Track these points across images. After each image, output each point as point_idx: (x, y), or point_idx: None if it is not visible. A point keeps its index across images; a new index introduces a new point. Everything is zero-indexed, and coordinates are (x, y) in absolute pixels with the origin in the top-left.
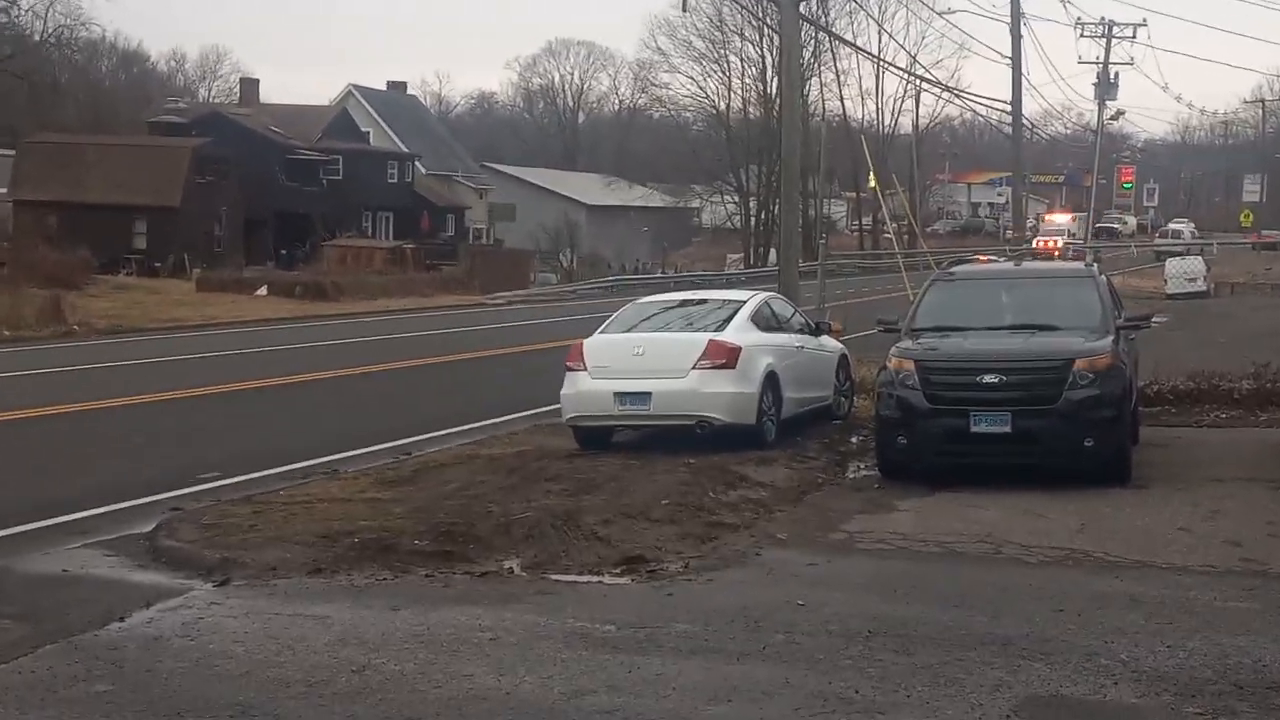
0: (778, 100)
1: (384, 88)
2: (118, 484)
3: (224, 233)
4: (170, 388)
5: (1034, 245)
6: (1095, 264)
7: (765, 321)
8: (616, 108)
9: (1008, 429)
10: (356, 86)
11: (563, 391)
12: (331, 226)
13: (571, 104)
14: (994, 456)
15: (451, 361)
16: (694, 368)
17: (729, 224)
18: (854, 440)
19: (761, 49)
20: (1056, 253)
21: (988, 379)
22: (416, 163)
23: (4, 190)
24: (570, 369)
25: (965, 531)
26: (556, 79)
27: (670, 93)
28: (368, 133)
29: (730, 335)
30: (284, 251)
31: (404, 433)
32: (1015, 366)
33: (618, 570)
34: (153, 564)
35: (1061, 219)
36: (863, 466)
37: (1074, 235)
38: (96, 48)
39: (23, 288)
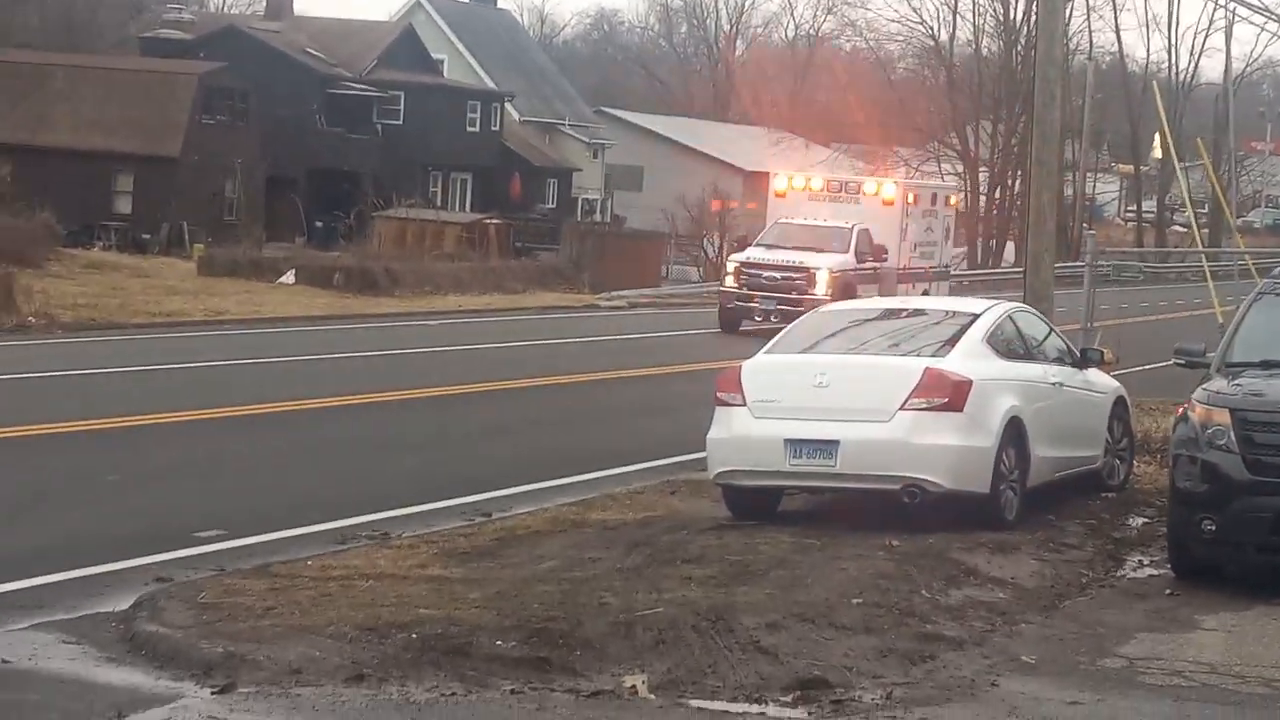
0: (1025, 30)
1: (466, 0)
2: (82, 540)
3: (238, 195)
4: (159, 408)
5: (729, 277)
6: None
7: (1007, 345)
8: (791, 36)
9: None
10: None
11: (709, 435)
12: (386, 191)
13: (728, 29)
14: None
15: (548, 386)
16: (902, 408)
17: None
18: (1134, 523)
19: None
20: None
21: None
22: (508, 105)
23: None
24: (722, 403)
25: None
26: None
27: (871, 14)
28: (441, 61)
29: (957, 363)
30: (319, 224)
31: (480, 485)
32: None
33: (788, 697)
34: (128, 657)
35: (842, 213)
36: (1147, 562)
37: (888, 256)
38: None
39: None
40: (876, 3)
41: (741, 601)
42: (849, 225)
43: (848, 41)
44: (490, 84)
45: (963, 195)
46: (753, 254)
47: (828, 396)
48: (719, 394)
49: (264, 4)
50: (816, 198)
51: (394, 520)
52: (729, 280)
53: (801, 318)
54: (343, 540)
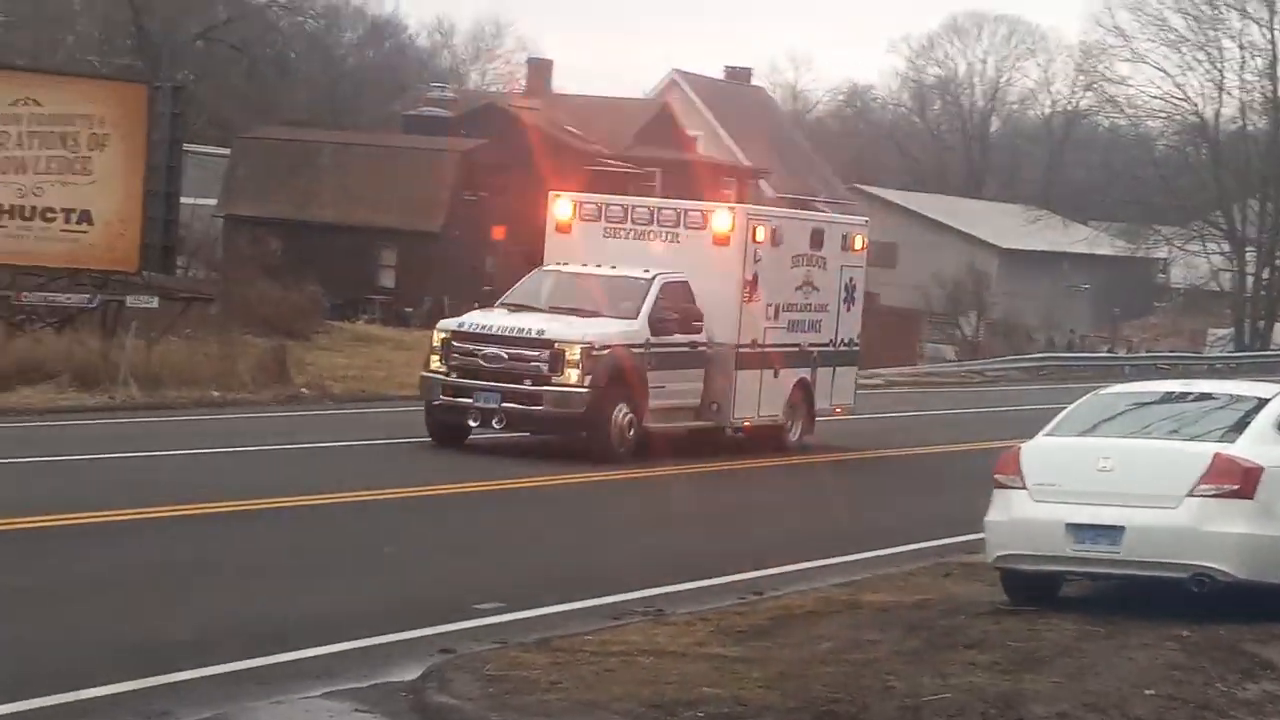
0: None
1: (720, 76)
2: (366, 609)
3: (497, 269)
4: (432, 479)
5: (434, 357)
6: None
7: None
8: (1048, 111)
9: None
10: (683, 73)
11: (988, 517)
12: None
13: (982, 104)
14: None
15: (808, 465)
16: (1191, 494)
17: (1212, 284)
18: None
19: (1271, 30)
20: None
21: None
22: (762, 182)
23: (214, 202)
24: (1000, 485)
25: None
26: (962, 69)
27: (1130, 90)
28: (696, 138)
29: (1246, 448)
30: None
31: (747, 562)
32: None
33: None
34: None
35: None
36: None
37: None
38: (338, 13)
39: (237, 334)
40: (1138, 79)
41: (1029, 689)
42: (648, 275)
43: (1106, 117)
44: (745, 160)
45: (1234, 273)
46: (472, 320)
47: (1112, 481)
48: (997, 476)
49: (524, 82)
50: (615, 232)
51: (665, 597)
52: (434, 362)
53: (1079, 401)
54: (617, 616)
